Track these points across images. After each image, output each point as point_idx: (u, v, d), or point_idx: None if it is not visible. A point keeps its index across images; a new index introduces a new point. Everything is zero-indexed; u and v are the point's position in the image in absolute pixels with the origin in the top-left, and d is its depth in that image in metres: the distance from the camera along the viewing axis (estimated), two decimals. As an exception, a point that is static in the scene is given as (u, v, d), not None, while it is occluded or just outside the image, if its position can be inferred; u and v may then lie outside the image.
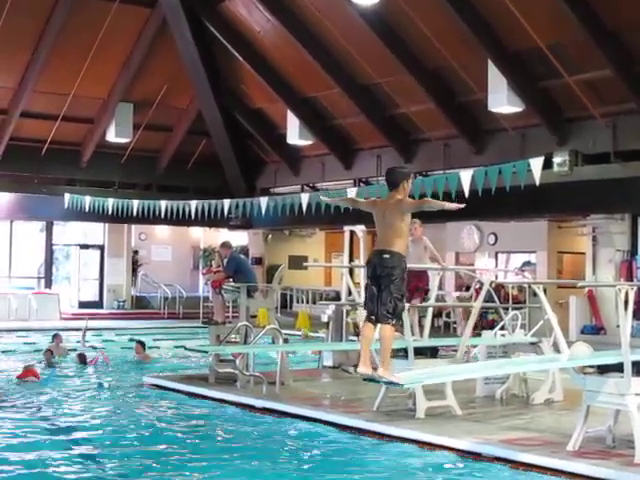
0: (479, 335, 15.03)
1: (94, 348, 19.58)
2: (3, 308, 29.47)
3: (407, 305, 12.02)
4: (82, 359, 18.06)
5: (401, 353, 12.28)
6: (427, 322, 13.42)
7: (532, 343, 13.27)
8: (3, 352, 21.03)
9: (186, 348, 17.55)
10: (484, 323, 21.03)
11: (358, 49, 24.51)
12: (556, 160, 21.63)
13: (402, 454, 9.99)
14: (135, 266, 34.94)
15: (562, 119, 22.37)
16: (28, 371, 15.83)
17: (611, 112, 21.41)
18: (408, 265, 13.29)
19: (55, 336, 19.67)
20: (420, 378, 9.95)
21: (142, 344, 19.39)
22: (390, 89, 25.25)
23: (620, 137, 21.36)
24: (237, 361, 14.21)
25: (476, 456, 9.62)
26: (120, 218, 26.24)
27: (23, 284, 32.18)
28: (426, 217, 15.78)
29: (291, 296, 33.75)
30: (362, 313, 14.56)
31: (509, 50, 21.55)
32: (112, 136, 30.08)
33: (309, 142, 28.75)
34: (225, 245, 16.46)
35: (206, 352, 15.40)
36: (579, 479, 8.69)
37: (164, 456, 9.97)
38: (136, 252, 35.14)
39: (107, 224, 33.33)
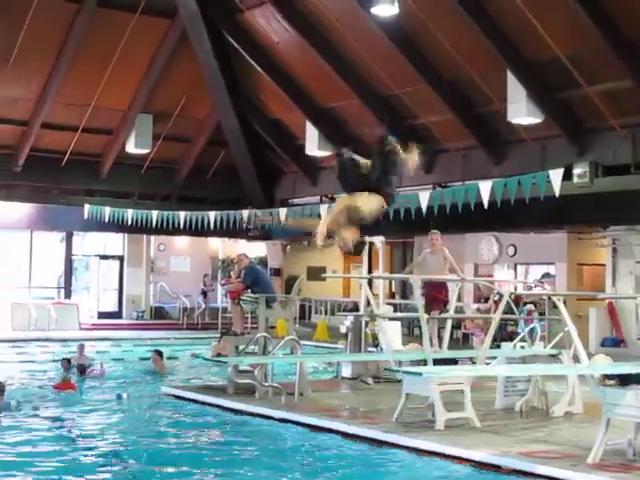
0: (498, 347, 14.97)
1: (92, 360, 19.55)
2: (23, 318, 29.52)
3: (426, 316, 12.02)
4: (81, 370, 18.03)
5: (420, 364, 12.27)
6: (446, 333, 13.40)
7: (552, 355, 13.21)
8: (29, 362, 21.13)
9: (205, 358, 17.55)
10: (503, 335, 20.93)
11: (377, 60, 24.51)
12: (576, 171, 21.53)
13: (421, 466, 9.96)
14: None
15: (582, 130, 22.27)
16: (66, 383, 15.93)
17: (631, 123, 21.29)
18: (427, 276, 13.35)
19: (79, 346, 19.71)
20: (439, 371, 9.99)
21: (160, 354, 19.39)
22: (409, 100, 25.22)
23: (640, 148, 21.28)
24: (256, 372, 14.20)
25: (495, 468, 9.57)
26: (139, 229, 26.32)
27: (43, 294, 32.29)
28: (445, 229, 15.82)
29: (310, 307, 33.71)
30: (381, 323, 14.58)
31: (528, 60, 21.49)
32: (132, 147, 30.16)
33: (328, 153, 28.73)
34: (242, 256, 16.50)
35: (225, 363, 15.37)
36: (600, 492, 8.64)
37: (182, 466, 9.97)
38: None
39: (126, 235, 33.42)
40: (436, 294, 14.08)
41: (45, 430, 12.32)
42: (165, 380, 17.54)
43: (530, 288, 20.71)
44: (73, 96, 27.98)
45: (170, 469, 9.82)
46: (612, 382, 9.59)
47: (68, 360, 18.53)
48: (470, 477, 9.49)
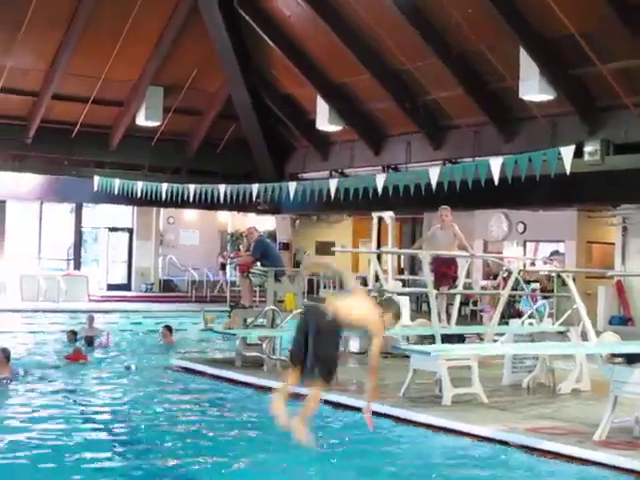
0: (506, 324, 14.98)
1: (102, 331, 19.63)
2: (32, 289, 29.64)
3: (435, 292, 12.03)
4: (89, 342, 18.09)
5: (428, 340, 12.30)
6: (454, 309, 13.41)
7: (560, 332, 13.22)
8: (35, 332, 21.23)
9: (215, 331, 17.60)
10: (512, 312, 20.93)
11: (388, 34, 24.42)
12: (587, 149, 21.46)
13: (428, 441, 9.99)
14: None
15: (594, 108, 22.17)
16: (77, 354, 16.01)
17: (644, 101, 21.23)
18: (436, 252, 13.34)
19: (89, 317, 19.77)
20: (448, 349, 10.02)
21: (169, 329, 19.43)
22: (420, 75, 25.14)
23: (652, 127, 21.19)
24: (264, 345, 14.25)
25: (502, 444, 9.60)
26: (149, 201, 26.23)
27: (52, 266, 32.39)
28: (454, 205, 15.79)
29: (318, 282, 33.76)
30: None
31: (541, 37, 21.36)
32: (142, 119, 30.15)
33: (339, 128, 28.70)
34: (252, 229, 16.51)
35: (233, 335, 15.42)
36: (605, 469, 8.66)
37: (190, 437, 10.02)
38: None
39: (136, 207, 33.48)
40: (445, 270, 14.07)
41: (52, 399, 12.40)
42: (174, 352, 17.59)
43: (532, 264, 20.64)
44: (84, 67, 27.94)
45: (176, 440, 9.86)
46: (620, 360, 9.59)
47: (74, 332, 18.60)
48: (477, 453, 9.51)
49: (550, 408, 11.48)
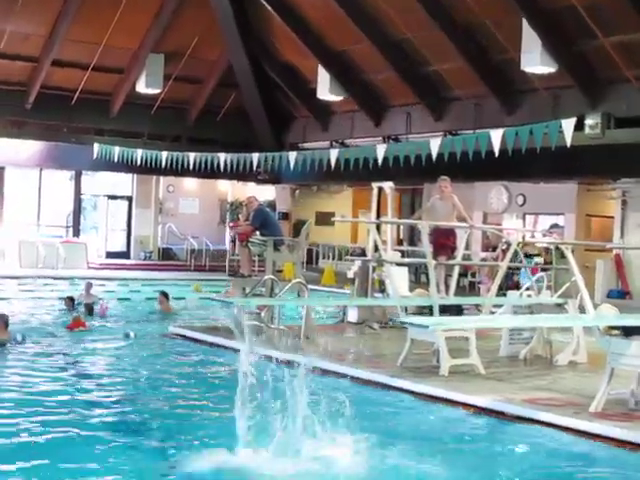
0: (504, 296, 15.01)
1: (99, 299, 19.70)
2: (31, 256, 29.64)
3: (434, 262, 12.05)
4: (89, 309, 18.11)
5: (426, 310, 12.33)
6: (453, 280, 13.43)
7: (558, 304, 13.25)
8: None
9: (212, 299, 17.62)
10: (510, 284, 20.96)
11: (390, 2, 24.28)
12: (588, 122, 21.43)
13: (424, 410, 10.03)
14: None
15: (595, 81, 22.10)
16: (77, 322, 16.04)
17: (646, 75, 21.17)
18: (436, 223, 13.34)
19: (87, 285, 19.79)
20: (446, 322, 10.05)
21: (166, 295, 19.45)
22: (422, 45, 25.04)
23: (654, 101, 21.14)
24: (262, 314, 14.27)
25: (499, 415, 9.65)
26: (149, 169, 26.25)
27: (51, 233, 32.38)
28: (454, 176, 15.77)
29: (317, 252, 33.80)
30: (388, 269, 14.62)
31: (544, 9, 21.26)
32: (142, 87, 30.06)
33: (339, 97, 28.62)
34: (251, 198, 16.49)
35: (232, 303, 15.43)
36: (600, 440, 8.70)
37: (188, 404, 10.06)
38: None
39: (135, 175, 33.44)
40: (444, 241, 14.03)
41: (49, 363, 12.50)
42: (172, 320, 17.63)
43: (532, 236, 20.62)
44: (84, 34, 27.82)
45: (173, 406, 9.91)
46: (617, 332, 9.63)
47: (71, 298, 18.62)
48: (474, 423, 9.56)
49: (547, 380, 11.54)
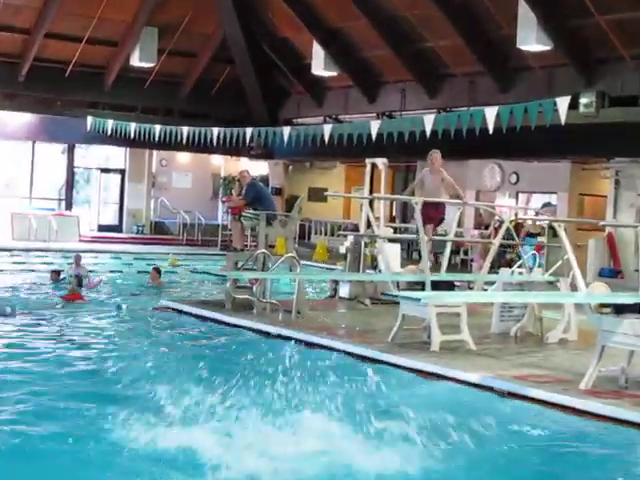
0: (496, 273, 15.02)
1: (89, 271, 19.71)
2: (23, 228, 29.60)
3: (426, 238, 12.04)
4: (79, 281, 18.09)
5: (418, 286, 12.34)
6: (445, 257, 13.43)
7: (550, 282, 13.26)
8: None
9: (206, 273, 17.65)
10: (502, 262, 20.96)
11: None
12: (582, 101, 21.37)
13: (414, 385, 10.06)
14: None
15: (590, 60, 22.05)
16: (74, 294, 16.04)
17: (641, 54, 21.12)
18: (429, 199, 13.30)
19: (76, 257, 19.77)
20: (439, 296, 10.06)
21: (158, 271, 19.46)
22: (417, 22, 24.94)
23: (648, 80, 21.10)
24: (254, 288, 14.27)
25: (489, 390, 9.67)
26: (142, 143, 26.22)
27: (44, 205, 32.29)
28: (448, 154, 15.75)
29: (310, 227, 33.80)
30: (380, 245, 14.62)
31: (540, -14, 21.21)
32: (136, 60, 29.89)
33: (334, 73, 28.53)
34: (244, 172, 16.45)
35: (224, 277, 15.44)
36: (590, 417, 8.73)
37: (177, 377, 10.05)
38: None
39: (129, 149, 33.34)
40: (433, 214, 13.88)
41: (39, 333, 12.58)
42: (164, 294, 17.64)
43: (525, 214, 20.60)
44: (78, 6, 27.64)
45: (162, 380, 9.89)
46: (608, 310, 9.64)
47: (57, 272, 18.65)
48: (463, 399, 9.58)
49: (537, 357, 11.55)
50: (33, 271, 21.35)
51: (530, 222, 19.44)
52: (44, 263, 23.26)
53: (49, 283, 18.26)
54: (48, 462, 7.00)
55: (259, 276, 14.26)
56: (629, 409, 8.66)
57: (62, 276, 18.47)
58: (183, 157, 35.32)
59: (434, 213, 13.76)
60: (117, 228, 34.24)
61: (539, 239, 21.27)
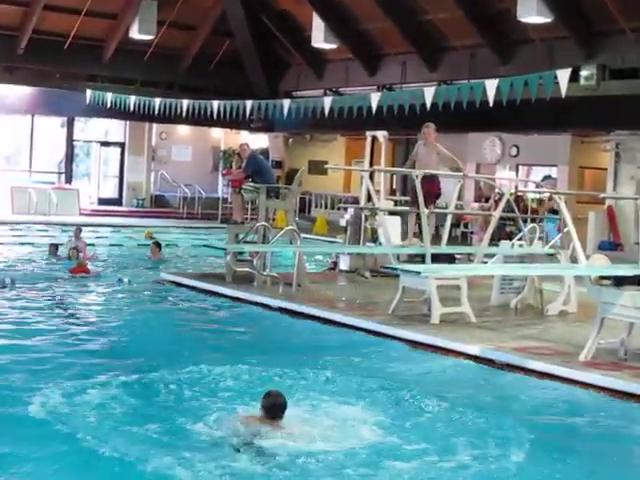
0: (496, 246, 15.03)
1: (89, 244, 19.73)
2: (23, 202, 29.58)
3: (426, 211, 12.04)
4: (77, 254, 18.10)
5: (418, 259, 12.35)
6: (445, 229, 13.44)
7: (549, 254, 13.29)
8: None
9: (207, 246, 17.67)
10: (502, 235, 20.97)
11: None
12: (583, 74, 21.33)
13: (414, 358, 10.10)
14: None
15: (591, 32, 21.97)
16: (81, 267, 16.07)
17: (642, 27, 21.03)
18: (430, 171, 13.25)
19: (76, 230, 19.76)
20: (439, 269, 10.09)
21: (158, 245, 19.45)
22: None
23: (649, 53, 21.03)
24: (254, 261, 14.30)
25: (489, 362, 9.72)
26: (141, 116, 26.11)
27: (43, 179, 32.24)
28: (449, 127, 15.73)
29: (310, 201, 33.78)
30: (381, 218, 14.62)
31: (542, -42, 21.09)
32: (135, 33, 29.73)
33: (334, 46, 28.42)
34: (244, 145, 16.42)
35: (224, 250, 15.46)
36: (589, 388, 8.79)
37: (179, 349, 10.11)
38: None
39: (128, 122, 33.27)
40: (429, 187, 13.81)
41: (38, 305, 12.62)
42: (164, 267, 17.66)
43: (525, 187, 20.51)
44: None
45: (164, 352, 9.95)
46: (607, 282, 9.67)
47: (55, 245, 18.67)
48: (463, 370, 9.63)
49: (537, 329, 11.60)
50: (33, 244, 21.34)
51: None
52: (44, 236, 23.26)
53: (46, 257, 18.26)
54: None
55: (259, 249, 14.27)
56: (628, 381, 8.71)
57: (67, 247, 18.49)
58: (183, 130, 35.24)
59: (430, 186, 13.61)
60: (117, 201, 34.23)
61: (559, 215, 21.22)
